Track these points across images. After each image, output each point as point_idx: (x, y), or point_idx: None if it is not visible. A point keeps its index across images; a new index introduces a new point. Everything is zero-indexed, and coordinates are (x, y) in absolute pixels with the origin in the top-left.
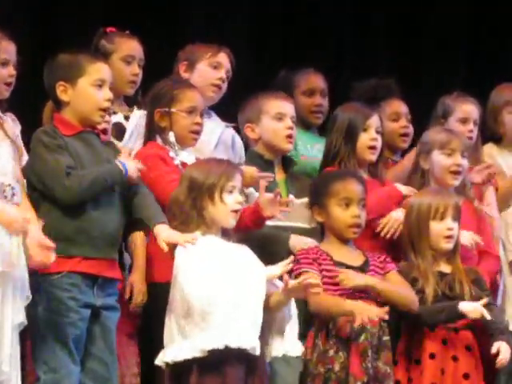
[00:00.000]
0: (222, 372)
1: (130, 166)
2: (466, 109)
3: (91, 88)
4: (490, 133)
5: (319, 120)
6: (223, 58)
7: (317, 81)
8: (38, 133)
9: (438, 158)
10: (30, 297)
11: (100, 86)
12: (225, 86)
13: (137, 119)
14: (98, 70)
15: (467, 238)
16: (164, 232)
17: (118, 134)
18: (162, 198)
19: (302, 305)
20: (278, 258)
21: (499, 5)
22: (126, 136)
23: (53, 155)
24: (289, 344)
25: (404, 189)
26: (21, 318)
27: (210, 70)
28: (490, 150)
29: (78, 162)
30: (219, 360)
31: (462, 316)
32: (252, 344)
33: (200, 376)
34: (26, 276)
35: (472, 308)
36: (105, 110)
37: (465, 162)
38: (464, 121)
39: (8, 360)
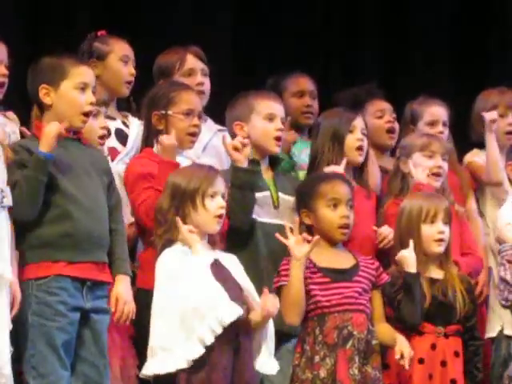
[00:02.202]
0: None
1: (47, 130)
2: (434, 111)
3: (74, 91)
4: (476, 137)
5: (310, 120)
6: (192, 62)
7: (306, 82)
8: (13, 146)
9: (419, 160)
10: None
11: (83, 90)
12: (207, 86)
13: (137, 127)
14: (81, 74)
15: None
16: (119, 286)
17: (120, 139)
18: (136, 219)
19: None
20: None
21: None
22: (129, 146)
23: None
24: (263, 361)
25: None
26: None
27: (186, 80)
28: (476, 154)
29: (58, 168)
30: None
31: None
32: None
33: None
34: (17, 280)
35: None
36: (87, 114)
37: (445, 165)
38: (433, 123)
39: (9, 363)
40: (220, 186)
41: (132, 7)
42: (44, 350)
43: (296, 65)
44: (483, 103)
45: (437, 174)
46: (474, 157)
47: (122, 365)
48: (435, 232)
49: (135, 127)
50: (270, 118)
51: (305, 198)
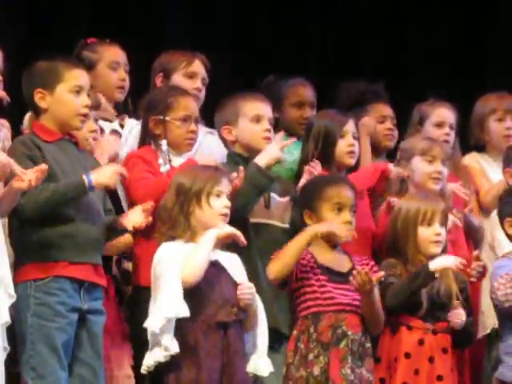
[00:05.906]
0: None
1: (106, 172)
2: (441, 113)
3: (69, 94)
4: (474, 141)
5: None
6: (198, 67)
7: (306, 93)
8: (15, 143)
9: (419, 165)
10: (15, 295)
11: (78, 93)
12: (203, 94)
13: (132, 126)
14: (76, 77)
15: None
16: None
17: None
18: (133, 198)
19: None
20: None
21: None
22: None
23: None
24: (255, 362)
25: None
26: (5, 316)
27: (185, 81)
28: (474, 158)
29: (58, 167)
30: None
31: (434, 277)
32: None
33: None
34: (9, 274)
35: (441, 263)
36: (84, 115)
37: (445, 170)
38: (439, 124)
39: None
40: (225, 186)
41: (131, 7)
42: (44, 350)
43: (296, 65)
44: (483, 107)
45: (436, 179)
46: (472, 160)
47: (113, 365)
48: (432, 234)
49: (129, 126)
50: (257, 119)
51: (309, 199)
